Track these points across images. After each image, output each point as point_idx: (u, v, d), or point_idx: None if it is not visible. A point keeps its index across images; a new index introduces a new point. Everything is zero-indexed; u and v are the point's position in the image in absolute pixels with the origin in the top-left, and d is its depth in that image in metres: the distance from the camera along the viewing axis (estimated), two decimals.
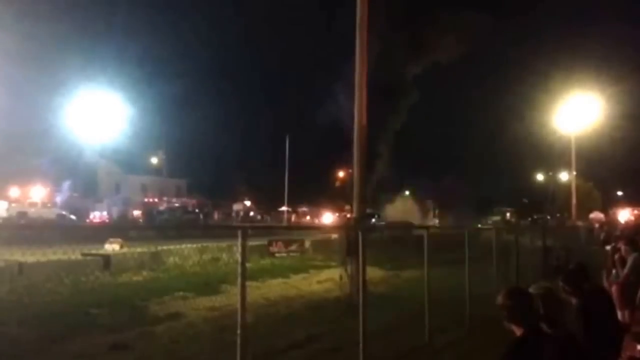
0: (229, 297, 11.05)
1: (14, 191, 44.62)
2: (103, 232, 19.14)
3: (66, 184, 50.70)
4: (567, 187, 43.56)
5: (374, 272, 14.13)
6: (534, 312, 3.49)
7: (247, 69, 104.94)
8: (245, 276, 5.32)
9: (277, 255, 21.24)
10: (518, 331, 3.39)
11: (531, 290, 3.72)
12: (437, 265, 8.41)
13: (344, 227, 15.39)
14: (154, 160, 67.63)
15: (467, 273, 9.53)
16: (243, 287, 5.38)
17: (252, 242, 8.30)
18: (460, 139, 79.35)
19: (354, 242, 10.80)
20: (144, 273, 15.51)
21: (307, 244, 23.96)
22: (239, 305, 5.30)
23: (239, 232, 5.52)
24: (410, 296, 10.84)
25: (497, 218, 52.54)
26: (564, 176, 55.14)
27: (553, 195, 57.59)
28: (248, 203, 62.46)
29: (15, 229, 12.55)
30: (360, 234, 7.31)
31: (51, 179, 47.17)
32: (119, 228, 20.48)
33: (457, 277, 10.00)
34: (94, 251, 17.09)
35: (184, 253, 18.07)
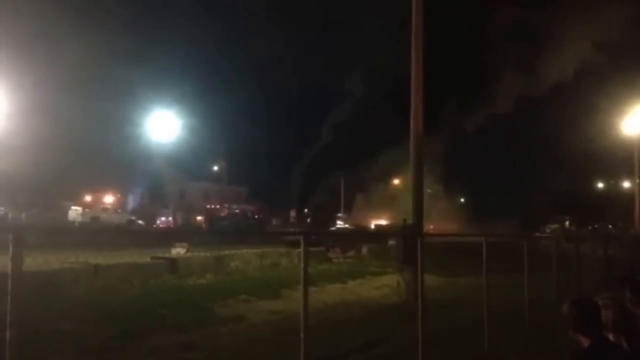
0: (290, 301, 11.40)
1: (87, 197, 46.87)
2: (169, 237, 20.04)
3: (135, 191, 52.78)
4: (629, 194, 42.09)
5: (430, 279, 14.14)
6: (601, 322, 3.50)
7: (305, 80, 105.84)
8: (307, 281, 5.62)
9: (334, 260, 21.53)
10: (585, 342, 3.42)
11: (597, 300, 3.69)
12: (494, 272, 8.48)
13: (401, 233, 15.53)
14: (215, 168, 69.38)
15: (526, 281, 9.54)
16: (305, 291, 5.68)
17: (310, 248, 8.61)
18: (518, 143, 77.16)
19: (411, 249, 10.99)
20: (208, 276, 16.04)
21: (364, 250, 24.16)
22: (301, 309, 5.58)
23: (302, 238, 5.83)
24: (468, 303, 10.89)
25: (555, 226, 50.94)
26: (625, 184, 53.18)
27: (614, 203, 55.45)
28: (306, 210, 63.18)
29: (90, 233, 13.23)
30: (419, 240, 7.47)
31: (121, 186, 49.17)
32: (183, 233, 21.25)
33: (515, 285, 10.01)
34: (161, 255, 17.83)
35: (246, 258, 18.61)
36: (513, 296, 9.95)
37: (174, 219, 51.30)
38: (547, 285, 10.84)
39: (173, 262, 16.89)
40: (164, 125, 44.39)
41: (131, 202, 51.22)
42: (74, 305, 10.91)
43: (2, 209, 38.02)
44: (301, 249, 5.85)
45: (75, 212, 40.27)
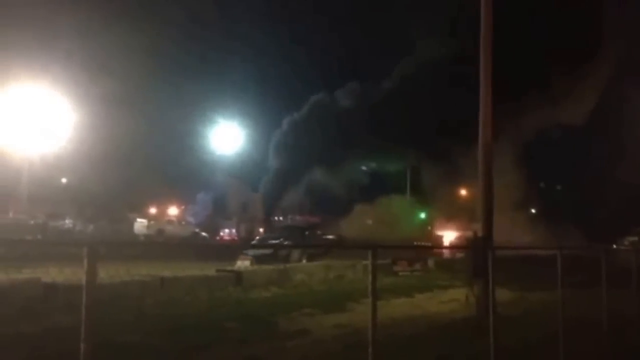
0: (356, 315, 11.22)
1: (152, 209, 48.10)
2: (233, 249, 20.24)
3: (199, 203, 53.74)
4: None
5: (501, 293, 13.68)
6: None
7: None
8: (376, 294, 5.44)
9: (400, 274, 21.19)
10: None
11: None
12: (568, 286, 8.06)
13: (470, 246, 15.12)
14: None
15: (605, 296, 9.05)
16: (374, 305, 5.50)
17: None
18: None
19: (481, 261, 10.59)
20: (273, 289, 16.05)
21: (431, 262, 23.72)
22: (369, 323, 5.41)
23: (369, 252, 5.67)
24: (541, 319, 10.43)
25: (634, 238, 48.19)
26: None
27: None
28: (370, 222, 62.78)
29: (156, 245, 13.44)
30: (489, 253, 7.20)
31: (185, 198, 50.24)
32: (247, 247, 21.69)
33: (592, 299, 9.52)
34: (226, 267, 18.02)
35: (310, 270, 18.57)
36: (590, 311, 9.46)
37: (237, 231, 51.86)
38: (626, 300, 10.26)
39: (238, 275, 17.02)
40: (227, 137, 45.18)
41: (196, 214, 52.12)
42: (141, 317, 11.10)
43: (70, 221, 39.40)
44: (369, 262, 5.68)
45: (140, 224, 41.20)
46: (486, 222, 13.75)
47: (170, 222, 44.39)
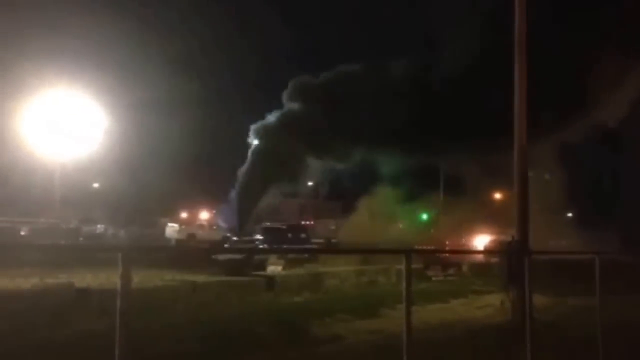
0: (389, 321, 11.07)
1: (183, 214, 48.43)
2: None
3: (229, 207, 53.84)
4: None
5: (537, 299, 13.39)
6: None
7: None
8: (410, 300, 5.32)
9: (434, 279, 20.95)
10: None
11: None
12: (606, 292, 7.80)
13: (505, 251, 14.84)
14: (311, 183, 69.89)
15: None
16: (409, 311, 5.37)
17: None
18: None
19: (516, 267, 10.35)
20: (305, 294, 15.99)
21: (465, 267, 23.40)
22: (404, 329, 5.30)
23: (403, 256, 5.55)
24: (579, 325, 10.15)
25: None
26: None
27: None
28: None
29: (187, 250, 13.48)
30: (525, 258, 7.04)
31: (217, 202, 50.38)
32: (274, 252, 21.55)
33: (632, 306, 9.23)
34: (259, 272, 18.04)
35: (343, 276, 18.47)
36: (629, 318, 9.17)
37: None
38: None
39: (270, 280, 17.02)
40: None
41: (227, 218, 52.14)
42: (173, 322, 11.14)
43: (102, 226, 39.86)
44: (403, 267, 5.57)
45: (172, 228, 41.52)
46: (521, 226, 13.47)
47: (201, 226, 44.66)
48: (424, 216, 48.21)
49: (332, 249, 29.59)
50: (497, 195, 49.54)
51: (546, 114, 32.72)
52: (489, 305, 14.94)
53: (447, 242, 34.19)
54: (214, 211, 49.92)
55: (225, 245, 29.29)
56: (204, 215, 48.98)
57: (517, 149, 13.46)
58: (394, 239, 33.49)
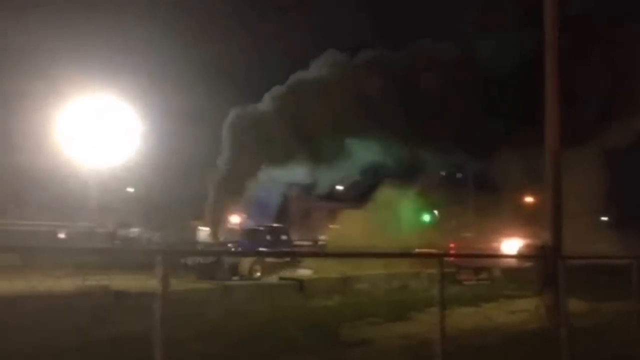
0: (420, 325, 10.99)
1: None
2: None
3: (258, 210, 54.03)
4: None
5: (572, 304, 13.18)
6: None
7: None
8: (444, 305, 5.33)
9: (465, 283, 20.76)
10: None
11: None
12: None
13: (539, 255, 14.66)
14: (340, 187, 69.78)
15: None
16: (442, 315, 5.38)
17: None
18: None
19: (550, 271, 10.22)
20: (335, 298, 16.01)
21: (498, 271, 23.14)
22: (438, 334, 5.30)
23: (437, 260, 5.56)
24: (618, 331, 9.97)
25: None
26: None
27: None
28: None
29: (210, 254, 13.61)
30: (559, 262, 6.98)
31: (248, 205, 50.62)
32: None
33: None
34: (289, 275, 18.14)
35: (373, 279, 18.45)
36: None
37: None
38: None
39: (300, 283, 17.11)
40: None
41: (256, 222, 52.39)
42: (204, 325, 11.24)
43: (137, 229, 40.48)
44: (436, 271, 5.58)
45: (203, 232, 41.98)
46: (555, 230, 13.32)
47: (231, 229, 45.01)
48: (426, 217, 43.38)
49: (360, 253, 26.89)
50: (531, 198, 48.44)
51: (586, 115, 31.62)
52: (522, 310, 14.74)
53: (475, 246, 33.26)
54: (245, 214, 50.15)
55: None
56: (235, 219, 49.33)
57: (549, 152, 13.32)
58: (392, 241, 29.77)
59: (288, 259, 21.94)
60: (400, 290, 18.30)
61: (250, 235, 26.35)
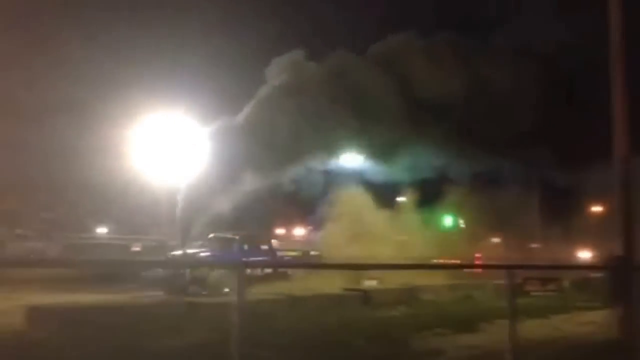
0: (489, 336, 10.99)
1: (280, 230, 49.61)
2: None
3: (317, 222, 54.32)
4: None
5: None
6: None
7: None
8: (515, 316, 5.45)
9: (532, 294, 20.43)
10: None
11: None
12: None
13: (609, 266, 14.31)
14: (403, 199, 69.43)
15: None
16: (513, 326, 5.50)
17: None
18: None
19: (621, 282, 10.06)
20: (401, 308, 16.11)
21: (566, 282, 22.65)
22: (509, 345, 5.41)
23: (505, 272, 5.68)
24: None
25: None
26: None
27: None
28: (497, 239, 60.22)
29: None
30: (631, 274, 6.93)
31: (311, 218, 51.11)
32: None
33: None
34: (354, 286, 18.34)
35: (438, 290, 18.45)
36: None
37: None
38: None
39: (366, 294, 17.29)
40: (351, 157, 44.68)
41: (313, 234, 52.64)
42: (274, 335, 11.56)
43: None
44: (505, 282, 5.71)
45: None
46: (625, 240, 12.98)
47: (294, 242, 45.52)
48: (448, 221, 38.36)
49: (421, 264, 20.66)
50: (601, 207, 46.54)
51: None
52: (592, 322, 14.43)
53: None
54: (310, 227, 50.55)
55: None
56: (299, 231, 49.95)
57: (617, 158, 13.04)
58: (402, 250, 26.74)
59: (270, 270, 20.04)
60: (466, 301, 18.21)
61: (221, 244, 23.18)
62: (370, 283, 19.69)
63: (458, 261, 24.98)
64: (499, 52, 33.18)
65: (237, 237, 23.23)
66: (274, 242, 27.76)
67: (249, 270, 18.12)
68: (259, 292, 14.64)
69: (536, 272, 21.06)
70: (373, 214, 29.56)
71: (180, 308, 14.32)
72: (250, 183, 29.63)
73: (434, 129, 31.57)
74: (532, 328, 13.57)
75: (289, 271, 21.02)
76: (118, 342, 9.61)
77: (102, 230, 41.15)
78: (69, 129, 31.47)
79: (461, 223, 38.32)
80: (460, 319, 14.10)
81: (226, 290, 17.83)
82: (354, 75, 30.77)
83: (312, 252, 26.77)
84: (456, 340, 11.76)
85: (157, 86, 32.18)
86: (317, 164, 32.29)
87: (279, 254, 24.27)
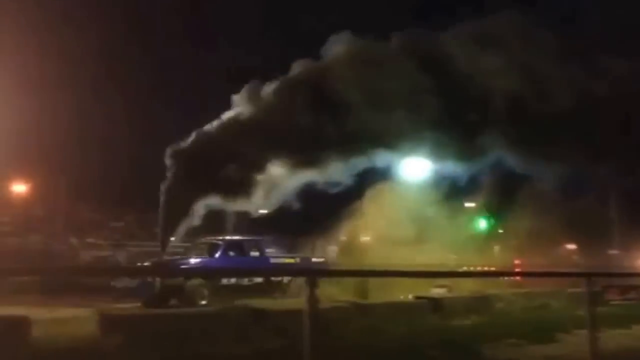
0: (566, 346, 10.62)
1: (343, 237, 49.57)
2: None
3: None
4: None
5: None
6: None
7: None
8: (595, 326, 5.25)
9: (611, 302, 19.59)
10: None
11: None
12: None
13: None
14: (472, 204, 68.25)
15: None
16: (592, 336, 5.30)
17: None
18: None
19: None
20: (473, 317, 15.79)
21: None
22: (588, 357, 5.22)
23: (585, 280, 5.48)
24: None
25: None
26: None
27: None
28: (572, 246, 58.01)
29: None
30: None
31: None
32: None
33: None
34: (424, 294, 18.10)
35: (511, 298, 18.00)
36: None
37: None
38: None
39: (436, 302, 17.04)
40: (414, 167, 44.12)
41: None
42: (345, 342, 11.55)
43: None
44: (584, 290, 5.50)
45: (332, 251, 42.88)
46: None
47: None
48: (482, 223, 34.48)
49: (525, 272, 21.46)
50: None
51: None
52: None
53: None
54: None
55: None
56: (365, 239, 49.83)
57: None
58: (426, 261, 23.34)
59: (261, 280, 18.59)
60: (540, 309, 17.66)
61: (206, 250, 21.27)
62: (439, 291, 19.39)
63: (493, 268, 23.29)
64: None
65: (220, 243, 21.12)
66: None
67: (225, 280, 18.11)
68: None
69: (616, 279, 20.22)
70: (400, 214, 27.18)
71: (244, 316, 14.46)
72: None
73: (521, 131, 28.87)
74: (613, 337, 13.03)
75: (285, 280, 19.14)
76: (194, 349, 9.87)
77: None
78: None
79: (497, 227, 35.43)
80: (535, 328, 13.68)
81: (203, 302, 17.64)
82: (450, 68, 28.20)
83: (316, 259, 24.45)
84: (532, 350, 11.42)
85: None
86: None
87: (273, 260, 21.96)
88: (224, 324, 12.76)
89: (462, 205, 34.20)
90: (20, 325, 10.41)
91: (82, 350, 9.78)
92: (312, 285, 5.28)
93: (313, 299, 5.30)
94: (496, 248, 31.32)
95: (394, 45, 29.10)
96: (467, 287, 19.63)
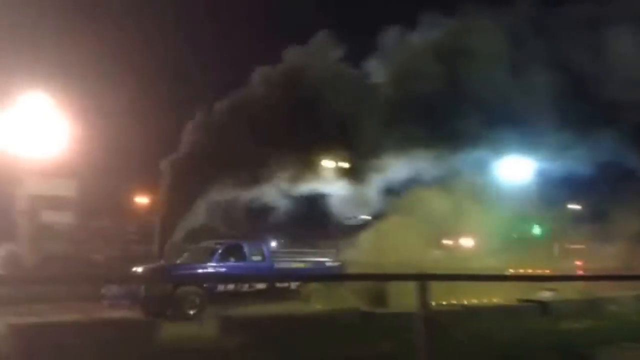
0: None
1: (447, 241, 49.19)
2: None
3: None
4: None
5: None
6: None
7: None
8: None
9: None
10: None
11: None
12: None
13: None
14: (577, 206, 65.48)
15: None
16: None
17: None
18: None
19: None
20: (584, 321, 15.42)
21: None
22: None
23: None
24: None
25: None
26: None
27: None
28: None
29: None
30: None
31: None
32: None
33: None
34: (530, 297, 17.86)
35: (623, 301, 17.42)
36: None
37: None
38: None
39: (543, 305, 16.82)
40: (515, 169, 42.71)
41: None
42: (457, 345, 11.66)
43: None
44: None
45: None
46: None
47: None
48: (536, 229, 33.33)
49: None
50: None
51: None
52: None
53: None
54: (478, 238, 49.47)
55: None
56: (468, 242, 49.18)
57: None
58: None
59: (264, 286, 17.67)
60: None
61: (203, 255, 19.99)
62: (546, 294, 19.01)
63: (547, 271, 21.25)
64: None
65: (217, 247, 19.95)
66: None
67: (221, 287, 17.50)
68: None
69: None
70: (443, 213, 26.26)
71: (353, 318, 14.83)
72: None
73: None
74: None
75: (292, 285, 18.15)
76: (310, 351, 10.38)
77: None
78: None
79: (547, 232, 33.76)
80: None
81: (191, 312, 17.02)
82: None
83: (330, 263, 22.27)
84: None
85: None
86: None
87: (280, 265, 20.90)
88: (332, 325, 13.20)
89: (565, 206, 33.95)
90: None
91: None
92: (424, 289, 5.58)
93: (425, 303, 5.59)
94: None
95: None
96: (575, 289, 19.10)
